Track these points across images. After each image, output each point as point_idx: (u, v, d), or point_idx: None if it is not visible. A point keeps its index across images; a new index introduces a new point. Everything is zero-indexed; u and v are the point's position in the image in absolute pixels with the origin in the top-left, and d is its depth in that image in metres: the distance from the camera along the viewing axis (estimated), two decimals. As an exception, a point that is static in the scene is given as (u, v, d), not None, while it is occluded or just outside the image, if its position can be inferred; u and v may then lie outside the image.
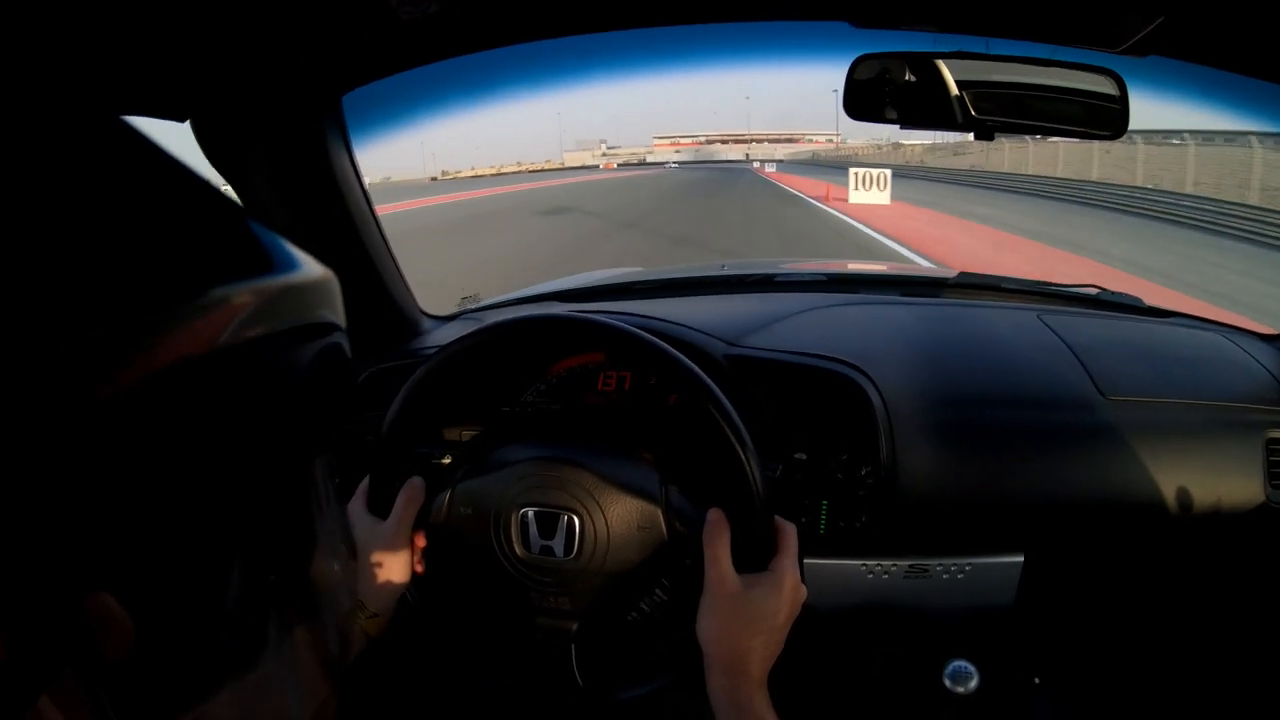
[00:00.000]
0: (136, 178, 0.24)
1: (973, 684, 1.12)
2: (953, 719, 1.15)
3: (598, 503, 0.80)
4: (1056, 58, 0.94)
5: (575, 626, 0.82)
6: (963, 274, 1.47)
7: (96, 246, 0.21)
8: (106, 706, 0.23)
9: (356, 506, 0.86)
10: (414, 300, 1.33)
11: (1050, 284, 1.43)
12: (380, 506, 0.85)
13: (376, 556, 0.82)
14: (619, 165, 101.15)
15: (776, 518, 0.77)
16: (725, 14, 0.94)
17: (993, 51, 0.95)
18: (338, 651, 0.38)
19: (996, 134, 0.95)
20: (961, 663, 1.12)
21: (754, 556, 0.74)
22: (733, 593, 0.71)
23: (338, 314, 0.33)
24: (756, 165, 56.91)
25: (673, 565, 0.82)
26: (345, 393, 0.35)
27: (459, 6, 0.84)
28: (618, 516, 0.80)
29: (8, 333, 0.18)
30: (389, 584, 0.81)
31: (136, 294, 0.21)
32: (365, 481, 0.88)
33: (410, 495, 0.83)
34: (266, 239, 0.29)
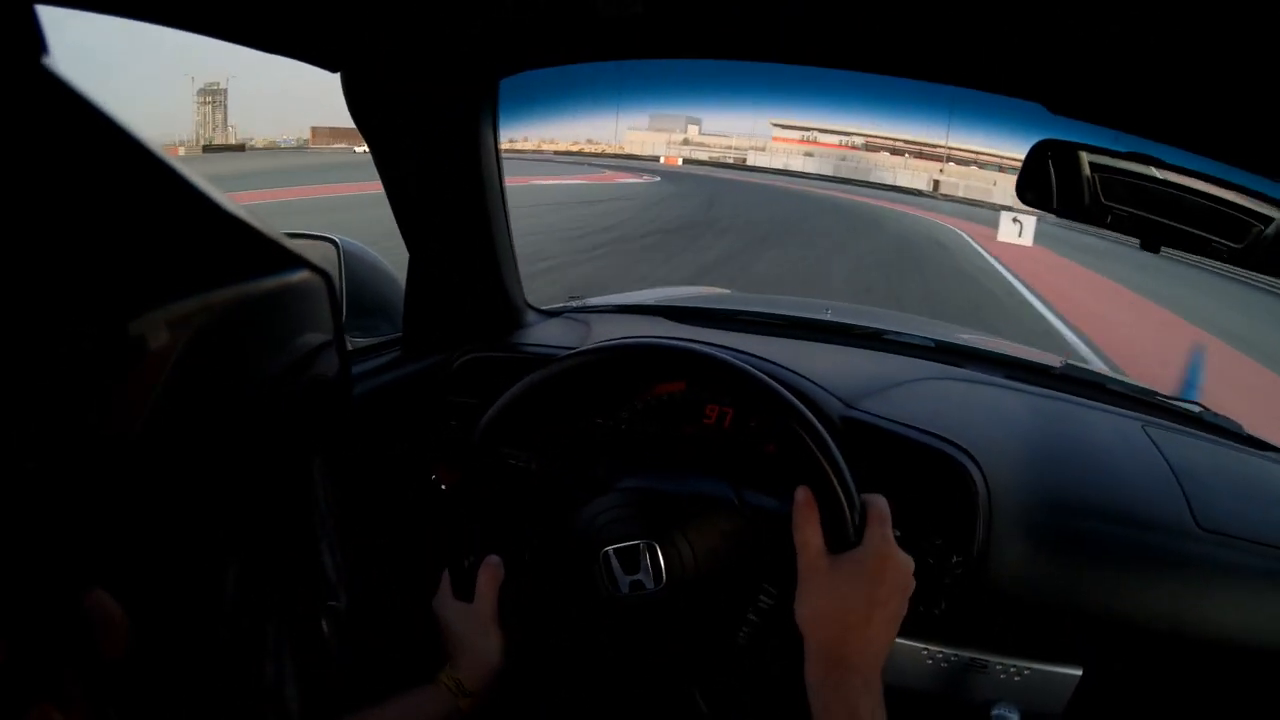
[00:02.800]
0: (130, 184, 0.24)
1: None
2: None
3: (678, 526, 0.81)
4: (1235, 180, 0.91)
5: (688, 660, 0.82)
6: (1068, 365, 1.44)
7: (87, 249, 0.21)
8: (106, 707, 0.23)
9: (444, 594, 0.88)
10: (522, 291, 1.34)
11: (1155, 393, 1.40)
12: (462, 585, 0.87)
13: (468, 639, 0.83)
14: (684, 161, 69.08)
15: (864, 494, 0.76)
16: (924, 73, 0.93)
17: (1170, 160, 0.92)
18: (335, 650, 0.38)
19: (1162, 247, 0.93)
20: (1003, 708, 1.07)
21: (845, 534, 0.72)
22: (825, 573, 0.70)
23: (326, 317, 0.33)
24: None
25: (770, 567, 0.81)
26: (339, 394, 0.35)
27: (661, 12, 0.84)
28: (699, 534, 0.81)
29: (3, 337, 0.18)
30: (483, 665, 0.83)
31: (128, 298, 0.22)
32: (446, 573, 0.90)
33: (491, 574, 0.86)
34: (257, 242, 0.29)
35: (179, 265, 0.25)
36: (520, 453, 0.97)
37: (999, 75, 0.92)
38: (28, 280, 0.19)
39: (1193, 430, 1.29)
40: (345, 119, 1.04)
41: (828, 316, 1.59)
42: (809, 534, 0.72)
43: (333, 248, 1.25)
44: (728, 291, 2.31)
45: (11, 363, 0.18)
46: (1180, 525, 1.02)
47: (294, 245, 0.32)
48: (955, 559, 0.98)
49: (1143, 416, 1.27)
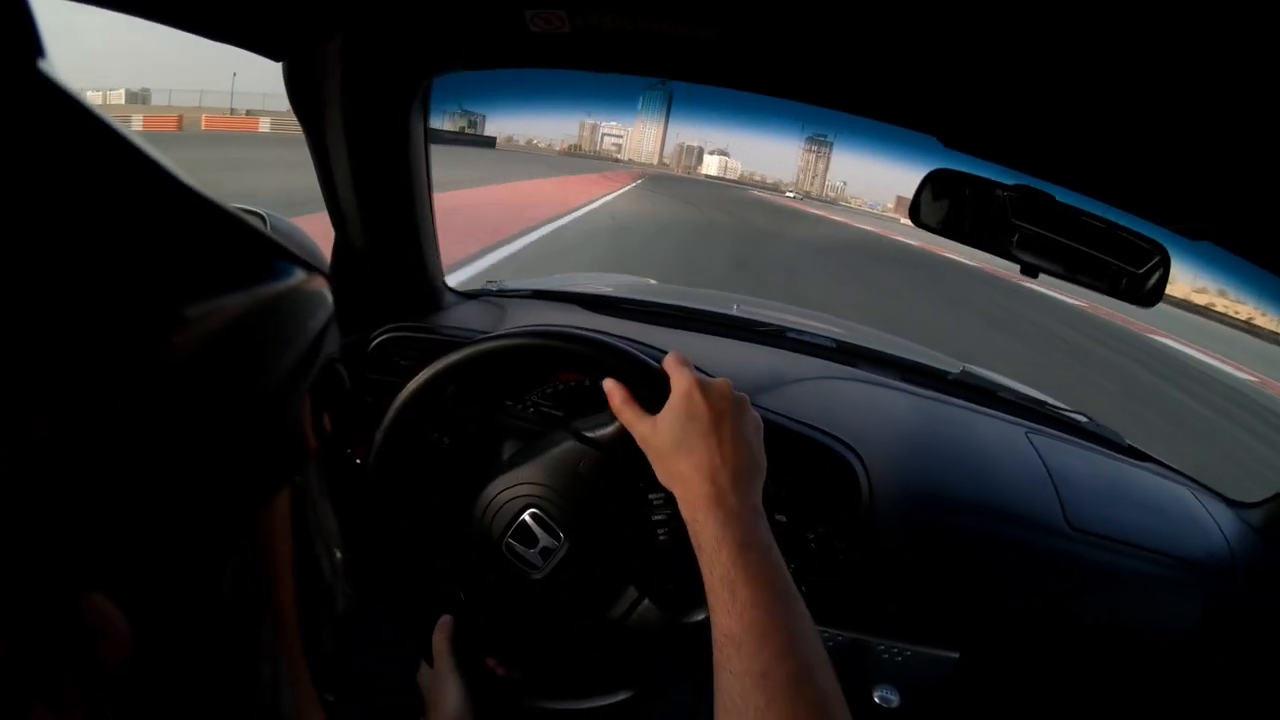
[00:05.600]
0: (125, 192, 0.24)
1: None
2: None
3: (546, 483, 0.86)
4: (1114, 218, 0.98)
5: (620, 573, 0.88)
6: (965, 371, 1.52)
7: (95, 253, 0.22)
8: (104, 711, 0.22)
9: (423, 666, 0.90)
10: (442, 273, 1.36)
11: (1044, 402, 1.49)
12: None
13: (434, 698, 0.86)
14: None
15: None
16: (827, 101, 0.97)
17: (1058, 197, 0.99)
18: (332, 652, 0.38)
19: (1039, 273, 0.99)
20: (886, 690, 1.13)
21: (653, 395, 0.75)
22: (656, 435, 0.72)
23: (328, 320, 0.34)
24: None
25: (643, 478, 0.85)
26: (338, 397, 0.36)
27: (587, 35, 0.87)
28: (571, 487, 0.86)
29: (4, 342, 0.18)
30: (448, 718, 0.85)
31: (130, 301, 0.22)
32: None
33: (444, 632, 0.89)
34: (256, 245, 0.29)
35: (182, 272, 0.25)
36: (433, 429, 1.00)
37: (897, 106, 0.97)
38: (30, 285, 0.19)
39: (1075, 439, 1.38)
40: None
41: (734, 311, 1.64)
42: (628, 413, 0.75)
43: (260, 221, 1.25)
44: (651, 281, 2.32)
45: (12, 365, 0.18)
46: (1051, 524, 1.11)
47: (297, 250, 0.32)
48: (838, 544, 1.05)
49: (1028, 424, 1.36)
